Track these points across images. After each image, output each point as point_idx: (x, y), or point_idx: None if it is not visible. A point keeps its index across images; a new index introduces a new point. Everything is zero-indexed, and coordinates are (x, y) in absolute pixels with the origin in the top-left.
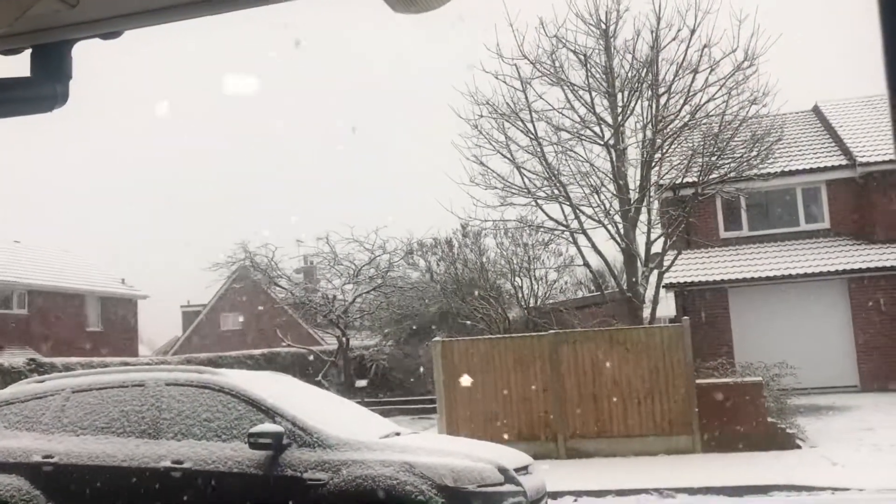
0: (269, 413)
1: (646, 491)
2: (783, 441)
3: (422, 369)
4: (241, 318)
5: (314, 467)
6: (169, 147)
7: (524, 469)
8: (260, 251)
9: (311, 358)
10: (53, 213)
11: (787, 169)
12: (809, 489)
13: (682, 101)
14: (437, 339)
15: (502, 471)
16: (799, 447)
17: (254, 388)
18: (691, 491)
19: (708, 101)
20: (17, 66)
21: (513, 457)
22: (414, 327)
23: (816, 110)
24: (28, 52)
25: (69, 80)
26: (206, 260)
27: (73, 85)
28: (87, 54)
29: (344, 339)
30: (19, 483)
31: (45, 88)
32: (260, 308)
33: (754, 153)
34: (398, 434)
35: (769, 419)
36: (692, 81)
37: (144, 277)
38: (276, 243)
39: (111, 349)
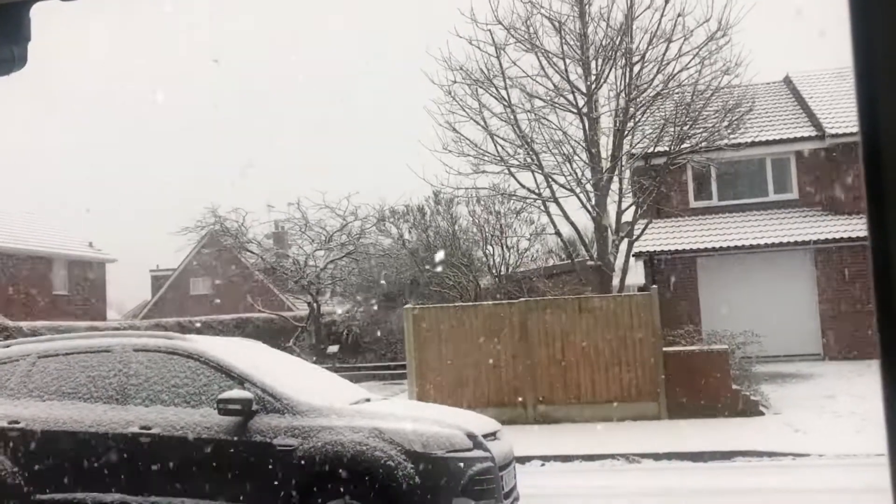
0: (239, 379)
1: (612, 456)
2: (747, 408)
3: (392, 335)
4: (211, 283)
5: (284, 433)
6: (137, 108)
7: (492, 435)
8: (230, 216)
9: (282, 324)
10: (18, 176)
11: (757, 139)
12: (771, 455)
13: (655, 70)
14: (408, 305)
15: (471, 436)
16: (762, 414)
17: (223, 355)
18: (657, 456)
19: (681, 71)
20: None
21: (481, 423)
22: (385, 294)
23: (787, 81)
24: None
25: (27, 42)
26: (175, 224)
27: (32, 47)
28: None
29: (315, 304)
30: None
31: (2, 51)
32: (231, 273)
33: (725, 123)
34: (368, 400)
35: (734, 386)
36: (666, 50)
37: (113, 241)
38: (247, 208)
39: (79, 313)
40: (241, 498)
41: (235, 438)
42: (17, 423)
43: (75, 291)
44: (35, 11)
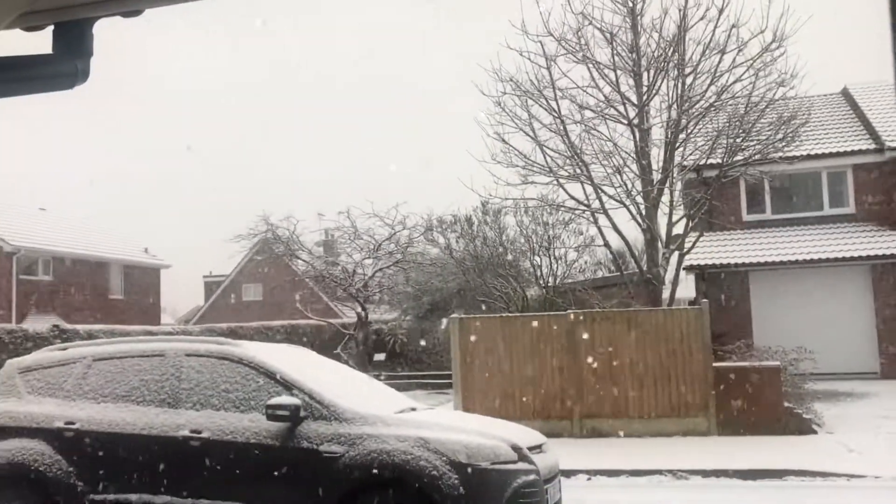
0: (287, 385)
1: (660, 472)
2: (800, 426)
3: (438, 345)
4: (261, 290)
5: (330, 440)
6: (194, 120)
7: (538, 447)
8: (282, 224)
9: (331, 331)
10: (79, 184)
11: (813, 152)
12: (824, 475)
13: (708, 82)
14: (454, 315)
15: (516, 449)
16: (815, 433)
17: (272, 361)
18: (705, 473)
19: (734, 82)
20: (40, 43)
21: (526, 435)
22: (432, 303)
23: (846, 93)
24: (50, 28)
25: (90, 56)
26: (229, 231)
27: (95, 62)
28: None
29: (363, 312)
30: (42, 448)
31: (66, 65)
32: (281, 280)
33: (780, 136)
34: (413, 409)
35: (786, 404)
36: (719, 62)
37: (168, 247)
38: (298, 216)
39: (134, 317)
40: (287, 503)
41: (282, 444)
42: (72, 423)
43: (130, 296)
44: (98, 28)
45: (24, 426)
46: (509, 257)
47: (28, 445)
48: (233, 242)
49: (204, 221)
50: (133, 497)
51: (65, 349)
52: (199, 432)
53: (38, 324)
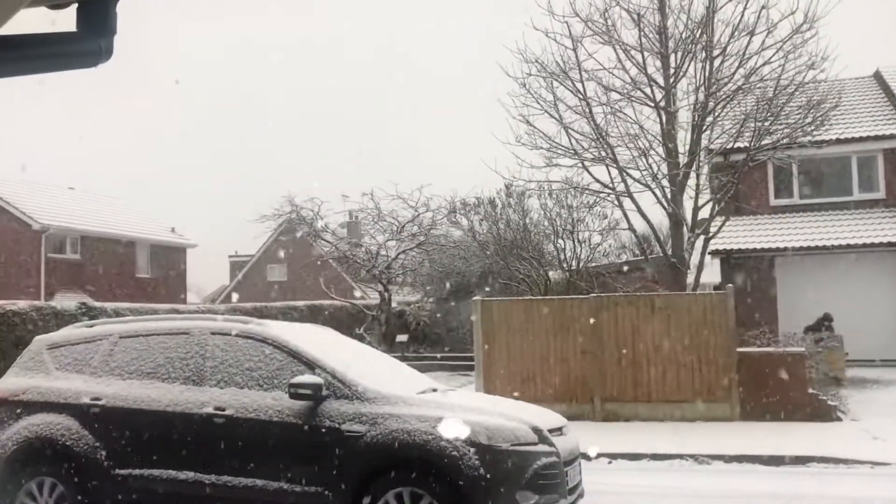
0: (310, 364)
1: (681, 456)
2: (824, 413)
3: (460, 326)
4: (286, 270)
5: (352, 419)
6: (219, 99)
7: (558, 430)
8: (306, 205)
9: (354, 312)
10: (105, 162)
11: (842, 136)
12: (848, 462)
13: (736, 64)
14: (477, 297)
15: (536, 431)
16: (840, 420)
17: (296, 340)
18: (727, 458)
19: (763, 65)
20: (64, 21)
21: (547, 417)
22: (455, 285)
23: (878, 76)
24: (74, 7)
25: (114, 34)
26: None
27: (120, 39)
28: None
29: (386, 294)
30: (69, 423)
31: (90, 43)
32: (305, 261)
33: (809, 119)
34: (435, 390)
35: (811, 390)
36: (748, 44)
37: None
38: (323, 197)
39: (160, 296)
40: (308, 481)
41: (305, 422)
42: (98, 399)
43: (157, 274)
44: (121, 6)
45: (52, 401)
46: (533, 240)
47: (55, 420)
48: (258, 223)
49: (230, 202)
50: (157, 472)
51: (92, 326)
52: (223, 410)
53: (65, 301)
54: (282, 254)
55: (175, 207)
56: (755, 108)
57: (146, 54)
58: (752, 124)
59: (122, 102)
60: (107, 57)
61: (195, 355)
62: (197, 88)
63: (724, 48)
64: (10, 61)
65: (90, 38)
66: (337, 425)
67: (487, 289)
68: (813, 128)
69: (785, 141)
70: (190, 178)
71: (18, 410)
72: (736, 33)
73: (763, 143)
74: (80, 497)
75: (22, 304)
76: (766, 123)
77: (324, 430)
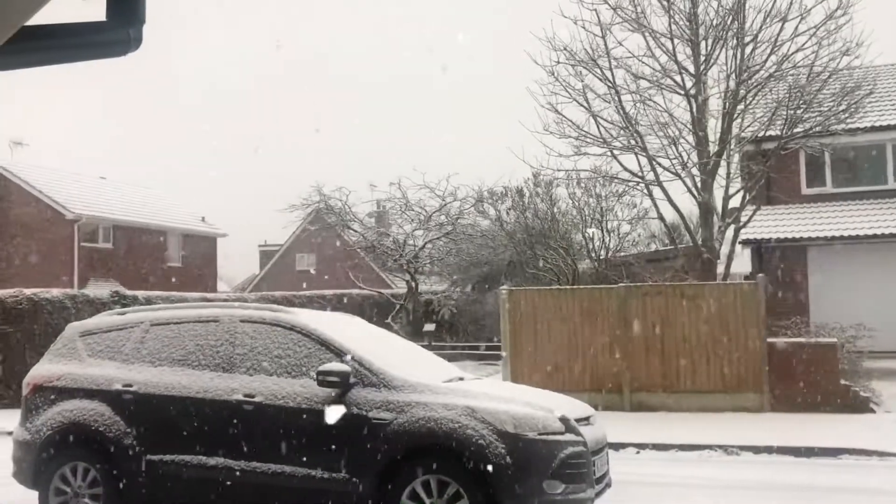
0: (338, 352)
1: (710, 447)
2: (856, 404)
3: (488, 316)
4: (314, 259)
5: (379, 407)
6: (248, 87)
7: (585, 419)
8: (334, 194)
9: (381, 301)
10: (136, 152)
11: (877, 124)
12: (881, 454)
13: (768, 51)
14: (504, 287)
15: (563, 420)
16: (873, 412)
17: (324, 328)
18: (757, 449)
19: (796, 52)
20: (93, 10)
21: (574, 406)
22: (482, 275)
23: None
24: None
25: (143, 24)
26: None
27: (149, 28)
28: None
29: (413, 283)
30: (101, 409)
31: (119, 33)
32: (333, 250)
33: (843, 107)
34: (461, 379)
35: (842, 381)
36: (780, 30)
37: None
38: (351, 187)
39: (191, 285)
40: (336, 467)
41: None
42: (130, 386)
43: (188, 263)
44: None
45: (85, 388)
46: (561, 229)
47: (88, 406)
48: (287, 212)
49: (260, 192)
50: (188, 458)
51: (123, 314)
52: (253, 396)
53: (98, 289)
54: (310, 243)
55: (205, 197)
56: (787, 95)
57: (175, 45)
58: (785, 112)
59: (151, 93)
60: (136, 46)
61: (225, 342)
62: (227, 79)
63: (756, 35)
64: (40, 50)
65: (119, 28)
66: (364, 413)
67: (515, 278)
68: (847, 115)
69: (818, 129)
70: (220, 168)
71: (52, 396)
72: (768, 20)
73: (795, 130)
74: (112, 481)
75: (56, 292)
76: (799, 111)
77: (351, 418)
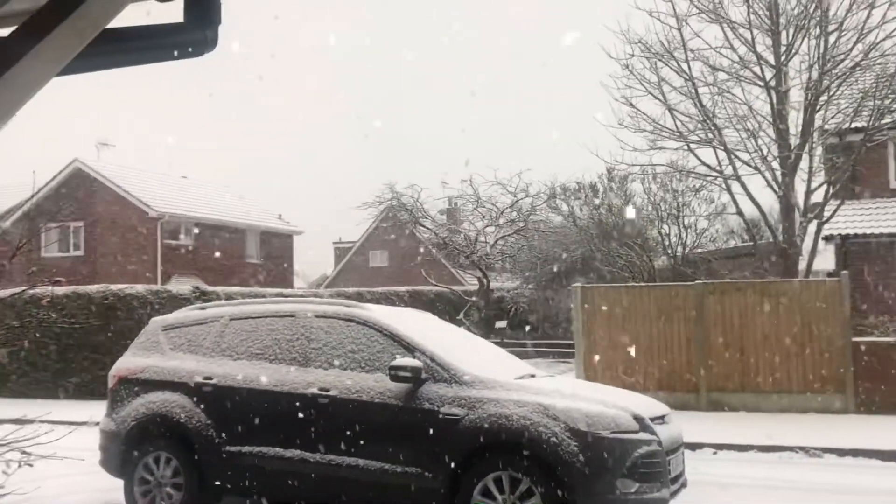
0: (410, 348)
1: (791, 449)
2: None
3: (560, 313)
4: (387, 256)
5: (450, 402)
6: (321, 88)
7: (660, 418)
8: (406, 192)
9: (453, 297)
10: (215, 153)
11: None
12: None
13: (854, 39)
14: (577, 284)
15: (637, 419)
16: None
17: (396, 324)
18: (841, 452)
19: (884, 39)
20: (172, 12)
21: (649, 405)
22: (555, 271)
23: None
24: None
25: (219, 25)
26: (358, 198)
27: (223, 30)
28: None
29: (485, 280)
30: (183, 401)
31: (196, 34)
32: (405, 247)
33: None
34: (533, 376)
35: None
36: (867, 17)
37: (300, 214)
38: (423, 183)
39: (268, 281)
40: (408, 461)
41: (405, 404)
42: (210, 379)
43: (265, 260)
44: None
45: (167, 380)
46: (636, 225)
47: (171, 398)
48: (360, 210)
49: (335, 190)
50: (265, 450)
51: (204, 309)
52: (327, 390)
53: (180, 285)
54: (383, 240)
55: (282, 194)
56: (875, 85)
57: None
58: (871, 102)
59: (230, 95)
60: (212, 47)
61: (300, 337)
62: (302, 78)
63: (841, 23)
64: (121, 52)
65: (196, 29)
66: (435, 408)
67: (589, 275)
68: None
69: None
70: (297, 167)
71: (136, 388)
72: (854, 7)
73: (883, 122)
74: (193, 472)
75: (140, 287)
76: (887, 101)
77: (422, 413)
